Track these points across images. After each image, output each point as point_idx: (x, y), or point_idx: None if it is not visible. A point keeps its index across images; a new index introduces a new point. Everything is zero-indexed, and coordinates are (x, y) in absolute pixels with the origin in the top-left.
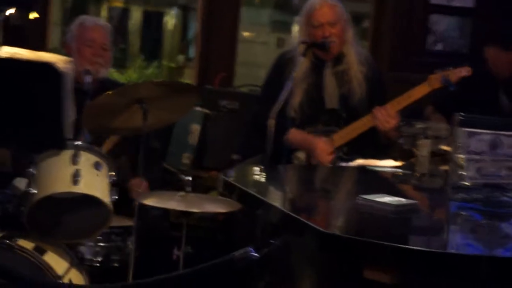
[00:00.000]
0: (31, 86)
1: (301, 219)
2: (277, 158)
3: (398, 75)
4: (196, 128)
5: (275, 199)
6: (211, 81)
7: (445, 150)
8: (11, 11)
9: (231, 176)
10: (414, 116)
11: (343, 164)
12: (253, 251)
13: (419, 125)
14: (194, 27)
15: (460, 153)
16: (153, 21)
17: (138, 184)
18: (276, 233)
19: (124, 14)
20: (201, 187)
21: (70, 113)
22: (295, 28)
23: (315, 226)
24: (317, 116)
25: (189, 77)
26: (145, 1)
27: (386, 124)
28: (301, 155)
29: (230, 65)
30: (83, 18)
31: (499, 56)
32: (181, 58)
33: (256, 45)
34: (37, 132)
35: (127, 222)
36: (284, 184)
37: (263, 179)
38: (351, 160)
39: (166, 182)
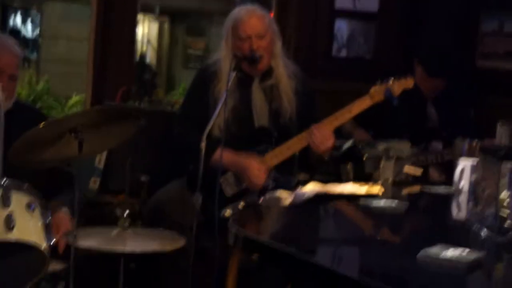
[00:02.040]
0: None
1: None
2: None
3: None
4: None
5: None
6: (110, 96)
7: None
8: None
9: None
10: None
11: (299, 191)
12: None
13: (382, 146)
14: (12, 24)
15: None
16: None
17: (63, 221)
18: None
19: None
20: (111, 214)
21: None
22: None
23: None
24: (245, 135)
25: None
26: None
27: (322, 146)
28: (229, 177)
29: (130, 77)
30: None
31: (423, 77)
32: None
33: None
34: None
35: (57, 266)
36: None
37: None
38: (290, 182)
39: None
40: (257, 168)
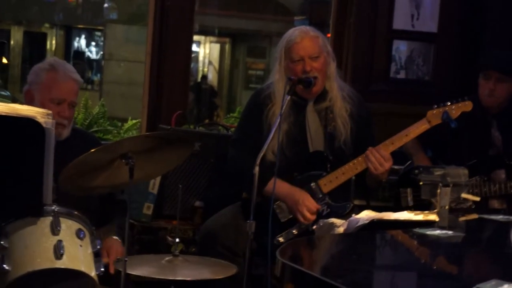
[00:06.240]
0: (10, 144)
1: None
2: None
3: None
4: None
5: None
6: (166, 119)
7: (464, 199)
8: None
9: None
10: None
11: (353, 218)
12: None
13: (438, 172)
14: (77, 45)
15: None
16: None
17: (114, 247)
18: None
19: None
20: (164, 239)
21: (50, 174)
22: None
23: None
24: (300, 160)
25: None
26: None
27: (380, 168)
28: (283, 203)
29: (185, 100)
30: (55, 63)
31: (482, 85)
32: None
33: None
34: (15, 197)
35: None
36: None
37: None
38: (345, 209)
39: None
40: (307, 207)
